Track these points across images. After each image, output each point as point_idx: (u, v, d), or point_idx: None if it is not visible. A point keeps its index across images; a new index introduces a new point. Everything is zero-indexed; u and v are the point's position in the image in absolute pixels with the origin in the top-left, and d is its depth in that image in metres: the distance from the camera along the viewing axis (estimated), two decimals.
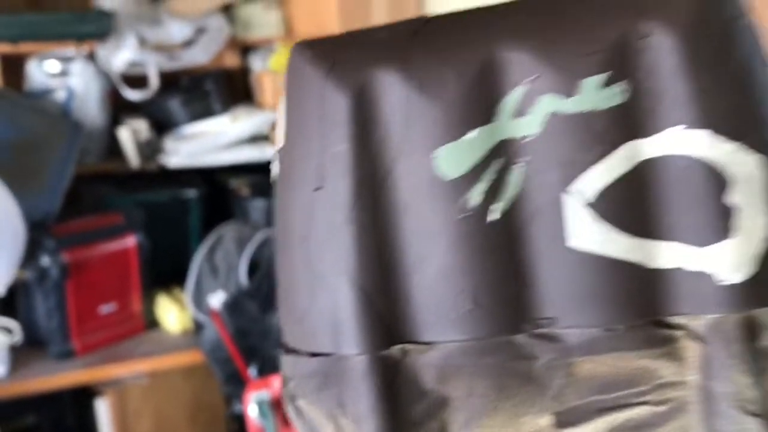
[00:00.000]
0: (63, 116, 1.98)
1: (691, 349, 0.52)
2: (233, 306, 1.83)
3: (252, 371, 1.76)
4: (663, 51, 0.49)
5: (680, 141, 0.49)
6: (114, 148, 2.07)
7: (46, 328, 1.82)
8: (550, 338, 0.52)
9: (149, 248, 1.94)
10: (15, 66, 2.00)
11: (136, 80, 2.05)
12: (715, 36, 0.49)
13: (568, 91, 0.49)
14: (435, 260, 0.51)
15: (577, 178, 0.50)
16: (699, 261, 0.50)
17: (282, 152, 0.55)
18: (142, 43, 2.00)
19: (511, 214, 0.51)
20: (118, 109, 2.11)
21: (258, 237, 1.92)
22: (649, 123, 0.49)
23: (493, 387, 0.52)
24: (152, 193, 2.09)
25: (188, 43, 2.07)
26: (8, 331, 1.79)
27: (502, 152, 0.50)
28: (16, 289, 1.82)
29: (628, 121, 0.49)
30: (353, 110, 0.51)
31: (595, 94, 0.49)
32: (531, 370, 0.52)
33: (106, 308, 1.89)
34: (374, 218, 0.51)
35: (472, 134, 0.50)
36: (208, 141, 2.10)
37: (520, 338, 0.52)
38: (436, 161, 0.50)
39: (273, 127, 2.17)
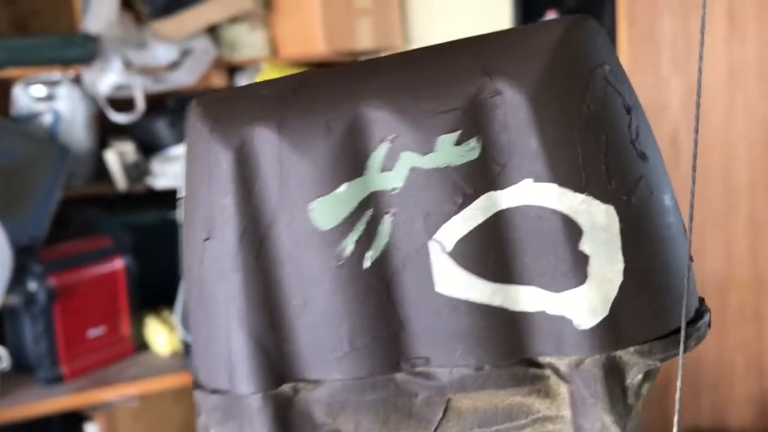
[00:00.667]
0: (49, 140, 1.98)
1: (561, 386, 0.55)
2: None
3: None
4: (513, 107, 0.52)
5: (532, 193, 0.52)
6: (101, 171, 2.07)
7: (34, 353, 1.81)
8: (426, 376, 0.55)
9: (137, 270, 1.94)
10: (1, 90, 2.00)
11: (123, 103, 2.06)
12: (563, 92, 0.52)
13: (425, 149, 0.53)
14: (316, 305, 0.55)
15: (439, 228, 0.53)
16: (557, 305, 0.53)
17: (183, 201, 0.58)
18: (128, 66, 2.01)
19: (383, 261, 0.55)
20: (105, 132, 2.11)
21: None
22: (503, 176, 0.52)
23: (377, 421, 0.56)
24: (140, 215, 2.09)
25: (174, 66, 2.08)
26: None
27: (372, 204, 0.54)
28: (3, 315, 1.81)
29: (484, 175, 0.52)
30: (235, 165, 0.55)
31: (450, 151, 0.52)
32: (412, 406, 0.56)
33: (94, 332, 1.88)
34: (259, 266, 0.55)
35: (342, 188, 0.54)
36: None
37: (400, 376, 0.56)
38: (311, 214, 0.54)
39: None
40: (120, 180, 2.05)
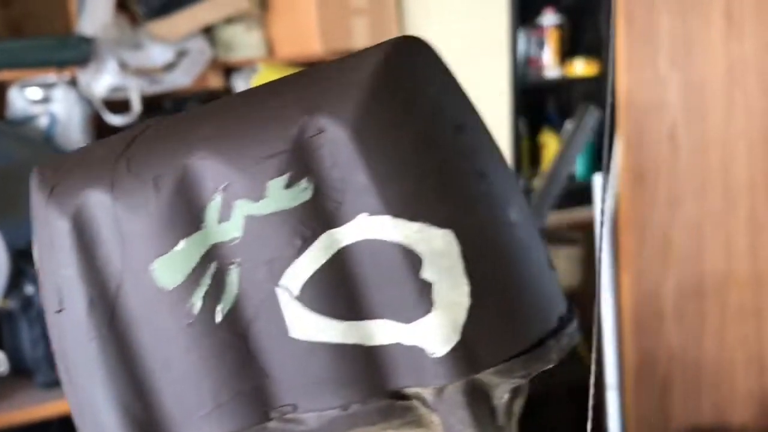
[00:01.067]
0: (45, 142, 1.97)
1: (432, 416, 0.54)
2: None
3: None
4: (337, 144, 0.51)
5: (368, 226, 0.51)
6: None
7: (32, 358, 1.81)
8: (297, 422, 0.55)
9: None
10: None
11: (119, 105, 2.05)
12: (384, 122, 0.51)
13: (257, 195, 0.52)
14: (175, 365, 0.54)
15: (283, 274, 0.52)
16: (410, 336, 0.53)
17: (38, 272, 0.58)
18: (124, 67, 2.00)
19: (235, 314, 0.53)
20: (101, 134, 2.10)
21: None
22: (339, 213, 0.52)
23: None
24: None
25: (170, 67, 2.07)
26: None
27: (215, 257, 0.53)
28: (0, 319, 1.80)
29: (320, 214, 0.52)
30: (73, 233, 0.54)
31: (281, 195, 0.51)
32: None
33: None
34: (114, 332, 0.54)
35: (181, 245, 0.52)
36: None
37: (272, 425, 0.55)
38: (153, 274, 0.53)
39: None
40: None
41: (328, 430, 0.54)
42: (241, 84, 2.26)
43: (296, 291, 0.52)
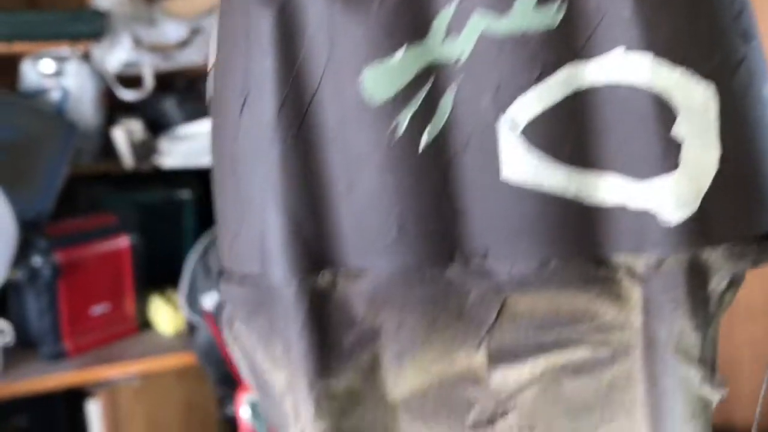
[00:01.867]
0: (57, 116, 1.97)
1: (633, 290, 0.49)
2: None
3: None
4: None
5: (621, 65, 0.46)
6: (108, 149, 2.06)
7: (38, 329, 1.81)
8: (482, 272, 0.50)
9: (143, 249, 1.93)
10: (9, 66, 2.00)
11: (131, 80, 2.05)
12: None
13: (500, 9, 0.46)
14: (363, 187, 0.49)
15: (510, 104, 0.47)
16: (640, 196, 0.48)
17: (213, 72, 0.53)
18: (137, 43, 1.99)
19: (441, 141, 0.49)
20: (113, 110, 2.10)
21: None
22: (589, 46, 0.46)
23: (423, 320, 0.51)
24: (146, 193, 2.09)
25: (183, 44, 2.07)
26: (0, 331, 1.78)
27: (432, 75, 0.48)
28: (7, 290, 1.81)
29: (566, 44, 0.46)
30: (277, 25, 0.48)
31: (529, 14, 0.46)
32: (463, 305, 0.50)
33: (98, 309, 1.87)
34: (300, 141, 0.49)
35: (399, 53, 0.47)
36: (203, 141, 2.09)
37: (451, 271, 0.50)
38: (362, 84, 0.48)
39: None
40: (127, 158, 2.04)
41: (517, 285, 0.49)
42: None
43: (521, 125, 0.47)
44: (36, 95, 2.00)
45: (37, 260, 1.77)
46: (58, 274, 1.78)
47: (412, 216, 0.48)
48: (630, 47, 0.46)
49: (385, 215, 0.49)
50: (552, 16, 0.46)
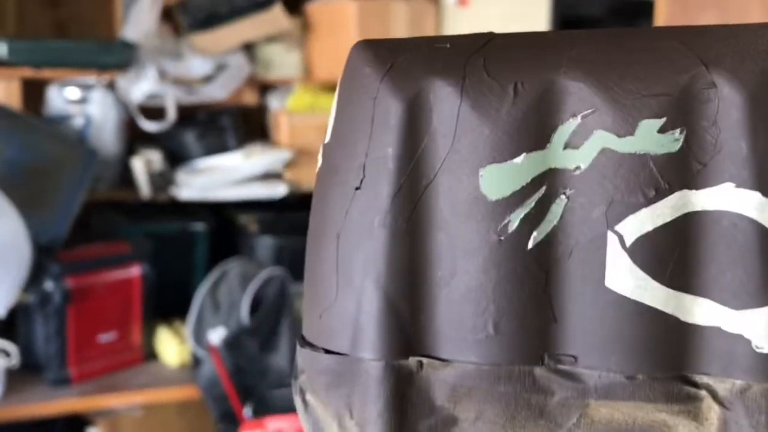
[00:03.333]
0: (79, 143, 2.00)
1: (714, 412, 0.51)
2: (233, 343, 1.82)
3: (247, 411, 1.74)
4: (727, 104, 0.48)
5: (731, 198, 0.49)
6: (126, 177, 2.08)
7: (44, 354, 1.81)
8: (569, 376, 0.51)
9: (153, 279, 1.93)
10: (36, 90, 2.03)
11: (154, 111, 2.07)
12: None
13: (624, 130, 0.49)
14: (464, 278, 0.51)
15: (622, 220, 0.49)
16: (735, 323, 0.50)
17: (327, 148, 0.55)
18: (162, 75, 2.03)
19: (547, 245, 0.51)
20: (134, 139, 2.12)
21: (263, 275, 1.91)
22: (702, 176, 0.49)
23: (503, 415, 0.52)
24: (161, 224, 2.10)
25: (207, 79, 2.10)
26: (6, 353, 1.78)
27: (548, 181, 0.50)
28: (17, 312, 1.81)
29: (681, 170, 0.49)
30: (405, 116, 0.51)
31: (651, 138, 0.49)
32: (545, 405, 0.51)
33: (105, 337, 1.88)
34: (410, 226, 0.52)
35: (520, 159, 0.50)
36: (220, 176, 2.11)
37: (539, 371, 0.51)
38: (480, 180, 0.50)
39: (286, 165, 2.18)
40: (144, 187, 2.06)
41: (603, 393, 0.50)
42: (275, 103, 2.28)
43: (629, 241, 0.49)
44: (60, 121, 2.03)
45: (48, 285, 1.78)
46: (68, 299, 1.79)
47: (509, 314, 0.50)
48: (739, 184, 0.48)
49: (482, 309, 0.50)
50: (673, 143, 0.49)
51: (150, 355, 1.97)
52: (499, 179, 0.50)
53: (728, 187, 0.49)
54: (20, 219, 1.71)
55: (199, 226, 2.11)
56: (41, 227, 1.83)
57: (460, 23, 2.22)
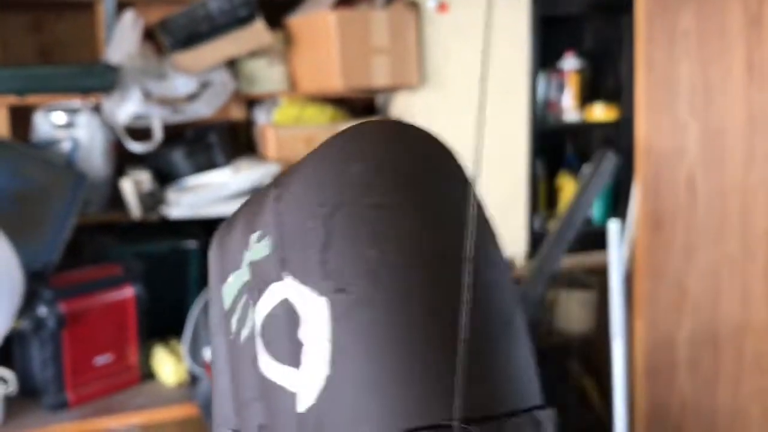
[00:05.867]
0: (67, 167, 2.01)
1: None
2: None
3: None
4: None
5: (288, 285, 0.58)
6: (116, 199, 2.09)
7: (41, 379, 1.81)
8: None
9: (147, 299, 1.94)
10: (22, 116, 2.03)
11: (141, 132, 2.08)
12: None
13: (249, 246, 0.62)
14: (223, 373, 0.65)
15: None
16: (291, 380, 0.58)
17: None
18: (147, 96, 2.03)
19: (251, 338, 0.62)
20: (122, 161, 2.13)
21: None
22: (278, 270, 0.60)
23: None
24: (153, 244, 2.10)
25: (192, 97, 2.11)
26: (3, 380, 1.79)
27: (245, 290, 0.62)
28: (12, 339, 1.82)
29: (273, 268, 0.60)
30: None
31: (257, 246, 0.61)
32: None
33: (101, 359, 1.88)
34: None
35: (231, 278, 0.63)
36: (210, 193, 2.12)
37: None
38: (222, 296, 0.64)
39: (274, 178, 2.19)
40: (135, 208, 2.06)
41: None
42: (262, 117, 2.29)
43: (259, 329, 0.60)
44: (47, 146, 2.04)
45: (42, 310, 1.78)
46: (62, 324, 1.79)
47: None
48: (289, 274, 0.59)
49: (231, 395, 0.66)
50: (266, 248, 0.61)
51: (147, 374, 1.97)
52: (226, 294, 0.64)
53: (287, 276, 0.59)
54: (11, 247, 1.71)
55: (191, 244, 2.11)
56: (32, 253, 1.83)
57: (440, 30, 2.23)
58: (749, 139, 2.11)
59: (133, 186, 2.06)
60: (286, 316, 0.57)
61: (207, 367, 1.85)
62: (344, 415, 0.53)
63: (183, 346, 1.95)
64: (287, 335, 0.56)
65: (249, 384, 0.60)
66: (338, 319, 0.54)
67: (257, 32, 2.14)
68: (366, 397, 0.52)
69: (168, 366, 1.95)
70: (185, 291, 2.09)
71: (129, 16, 2.05)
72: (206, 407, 1.83)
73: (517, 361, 0.56)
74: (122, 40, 2.03)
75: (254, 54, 2.20)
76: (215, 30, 2.10)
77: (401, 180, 0.57)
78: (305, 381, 0.55)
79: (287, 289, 0.57)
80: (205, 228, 2.18)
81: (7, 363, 1.82)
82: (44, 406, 1.81)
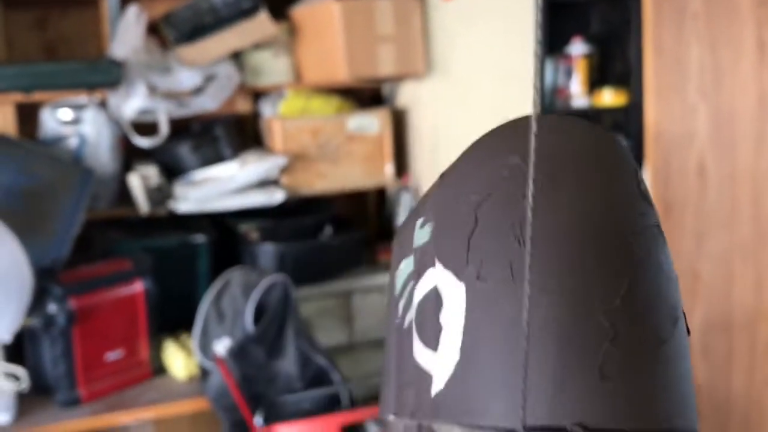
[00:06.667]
0: (74, 163, 2.01)
1: None
2: (239, 353, 1.82)
3: (258, 419, 1.74)
4: None
5: (438, 271, 0.58)
6: (124, 194, 2.09)
7: (53, 376, 1.82)
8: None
9: (157, 294, 1.94)
10: (29, 113, 2.04)
11: (147, 127, 2.08)
12: None
13: (416, 232, 0.62)
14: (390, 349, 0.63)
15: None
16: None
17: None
18: (152, 91, 2.03)
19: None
20: (129, 156, 2.13)
21: (264, 282, 1.91)
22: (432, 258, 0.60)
23: None
24: (161, 238, 2.10)
25: (198, 91, 2.10)
26: (15, 378, 1.79)
27: (413, 276, 0.61)
28: (23, 336, 1.82)
29: (430, 253, 0.59)
30: None
31: (419, 232, 0.61)
32: None
33: (112, 355, 1.88)
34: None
35: (402, 264, 0.63)
36: (217, 186, 2.11)
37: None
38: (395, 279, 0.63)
39: (282, 171, 2.18)
40: (142, 203, 2.06)
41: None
42: (268, 109, 2.28)
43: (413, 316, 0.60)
44: (54, 142, 2.04)
45: (52, 307, 1.79)
46: (73, 320, 1.80)
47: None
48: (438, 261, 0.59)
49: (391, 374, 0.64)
50: (428, 234, 0.61)
51: (158, 369, 1.98)
52: (398, 278, 0.63)
53: (438, 265, 0.59)
54: (20, 245, 1.71)
55: (200, 238, 2.11)
56: (42, 250, 1.84)
57: (445, 17, 2.21)
58: (761, 122, 2.09)
59: (140, 181, 2.06)
60: (435, 301, 0.57)
61: (217, 360, 1.85)
62: (465, 406, 0.52)
63: (193, 341, 1.95)
64: (433, 319, 0.57)
65: (406, 369, 0.59)
66: (472, 305, 0.54)
67: (261, 24, 2.12)
68: (489, 390, 0.52)
69: (179, 360, 1.95)
70: (194, 285, 2.09)
71: (133, 11, 2.04)
72: (217, 401, 1.83)
73: (682, 372, 0.53)
74: (127, 35, 2.02)
75: (259, 46, 2.19)
76: (219, 22, 2.09)
77: (558, 173, 0.55)
78: (439, 365, 0.55)
79: (438, 274, 0.57)
80: (213, 222, 2.18)
81: (19, 360, 1.83)
82: (56, 403, 1.82)
